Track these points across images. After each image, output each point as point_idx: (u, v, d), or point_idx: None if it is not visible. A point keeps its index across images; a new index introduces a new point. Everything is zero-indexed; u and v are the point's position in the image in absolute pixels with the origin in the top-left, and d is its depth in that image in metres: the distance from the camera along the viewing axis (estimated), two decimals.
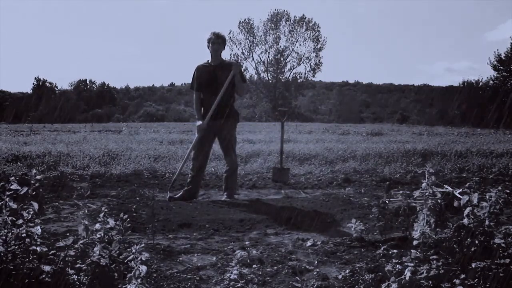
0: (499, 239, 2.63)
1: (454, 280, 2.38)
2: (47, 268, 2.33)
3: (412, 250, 2.42)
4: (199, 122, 5.13)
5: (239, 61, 45.56)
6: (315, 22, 45.97)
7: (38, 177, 3.90)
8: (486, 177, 6.86)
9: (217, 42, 5.07)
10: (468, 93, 32.06)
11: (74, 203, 4.78)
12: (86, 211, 2.51)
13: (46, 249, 2.49)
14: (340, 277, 2.82)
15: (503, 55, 33.44)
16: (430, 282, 2.24)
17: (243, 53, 46.30)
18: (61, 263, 2.37)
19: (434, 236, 2.96)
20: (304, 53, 46.56)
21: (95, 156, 7.98)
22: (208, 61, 5.23)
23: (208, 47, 5.14)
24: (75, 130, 17.78)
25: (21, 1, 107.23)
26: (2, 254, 2.33)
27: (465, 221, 2.76)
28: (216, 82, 5.07)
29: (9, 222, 2.43)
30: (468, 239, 2.71)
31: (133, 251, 2.21)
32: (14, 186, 2.61)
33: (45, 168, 6.95)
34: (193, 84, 5.24)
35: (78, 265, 2.31)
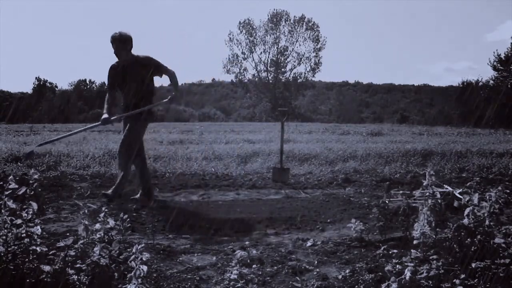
0: (499, 239, 2.63)
1: (454, 280, 2.38)
2: (47, 268, 2.33)
3: (412, 250, 2.42)
4: (105, 116, 4.74)
5: (239, 61, 45.52)
6: (314, 22, 46.01)
7: (36, 176, 3.90)
8: (486, 177, 6.86)
9: (113, 47, 4.80)
10: (468, 93, 32.07)
11: (74, 203, 4.78)
12: (86, 211, 2.51)
13: (46, 249, 2.49)
14: (340, 277, 2.82)
15: (502, 56, 33.46)
16: (430, 282, 2.24)
17: (243, 53, 46.33)
18: (61, 263, 2.37)
19: (434, 236, 2.97)
20: (304, 53, 46.60)
21: (95, 156, 7.97)
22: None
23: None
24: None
25: (21, 1, 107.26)
26: (2, 254, 2.33)
27: (465, 221, 2.76)
28: (127, 80, 4.86)
29: (9, 222, 2.43)
30: (468, 239, 2.71)
31: (134, 251, 2.21)
32: (13, 185, 2.61)
33: (45, 168, 6.95)
34: (108, 80, 4.94)
35: (78, 265, 2.31)
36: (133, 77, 4.85)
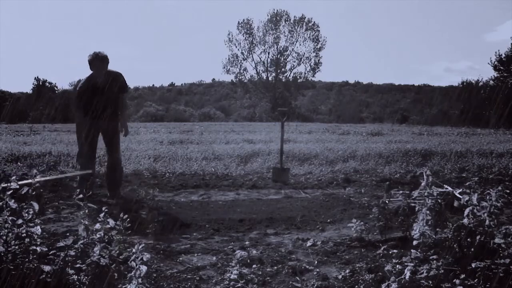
0: (499, 239, 2.63)
1: (454, 280, 2.38)
2: (47, 268, 2.33)
3: (412, 250, 2.42)
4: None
5: (239, 61, 45.50)
6: (314, 22, 45.93)
7: (37, 177, 3.90)
8: (486, 177, 6.86)
9: (94, 66, 4.98)
10: (468, 93, 32.03)
11: (74, 203, 4.78)
12: (86, 211, 2.51)
13: (46, 249, 2.49)
14: (340, 277, 2.82)
15: (503, 56, 33.44)
16: (430, 282, 2.24)
17: (242, 53, 46.26)
18: (61, 263, 2.37)
19: (434, 236, 2.97)
20: (304, 53, 46.46)
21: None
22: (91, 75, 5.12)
23: (91, 67, 5.05)
24: (75, 130, 17.69)
25: (21, 1, 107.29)
26: (2, 254, 2.33)
27: (465, 221, 2.76)
28: (104, 93, 5.08)
29: (9, 222, 2.43)
30: (468, 239, 2.71)
31: (134, 251, 2.21)
32: (14, 185, 2.61)
33: (45, 168, 6.95)
34: (78, 103, 5.14)
35: (78, 265, 2.31)
36: (110, 90, 5.11)
